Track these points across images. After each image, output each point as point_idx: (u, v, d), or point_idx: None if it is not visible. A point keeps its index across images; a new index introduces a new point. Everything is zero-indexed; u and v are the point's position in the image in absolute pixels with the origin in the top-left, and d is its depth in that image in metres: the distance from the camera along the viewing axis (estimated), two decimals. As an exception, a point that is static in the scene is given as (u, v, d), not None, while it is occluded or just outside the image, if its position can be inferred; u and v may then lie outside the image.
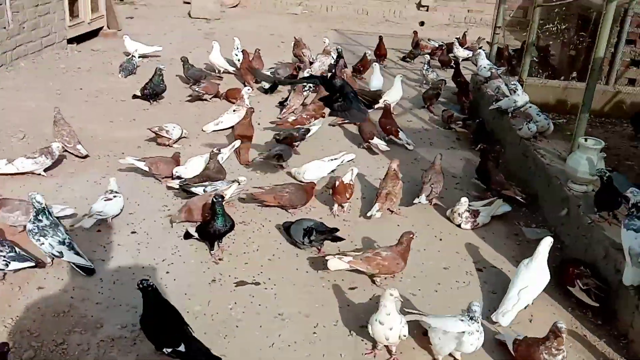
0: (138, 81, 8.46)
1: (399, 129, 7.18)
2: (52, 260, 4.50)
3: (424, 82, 9.62)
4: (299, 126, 6.88)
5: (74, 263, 4.41)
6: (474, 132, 7.31)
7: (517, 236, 5.37)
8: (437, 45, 11.32)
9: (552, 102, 7.82)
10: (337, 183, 5.34)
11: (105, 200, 5.10)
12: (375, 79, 8.77)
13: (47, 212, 4.45)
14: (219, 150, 5.66)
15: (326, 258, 4.46)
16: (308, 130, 6.75)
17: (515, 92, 7.00)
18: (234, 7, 15.32)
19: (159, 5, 15.35)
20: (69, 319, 4.00)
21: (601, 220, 4.73)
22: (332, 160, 6.14)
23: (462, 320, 3.64)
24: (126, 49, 9.70)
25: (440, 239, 5.23)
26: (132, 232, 5.04)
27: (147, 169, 5.75)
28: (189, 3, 15.44)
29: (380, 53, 10.60)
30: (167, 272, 4.53)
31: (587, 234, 4.76)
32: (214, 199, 4.57)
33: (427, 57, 9.86)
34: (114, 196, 5.16)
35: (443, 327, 3.66)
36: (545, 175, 5.77)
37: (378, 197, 5.50)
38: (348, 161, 6.26)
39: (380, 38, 10.73)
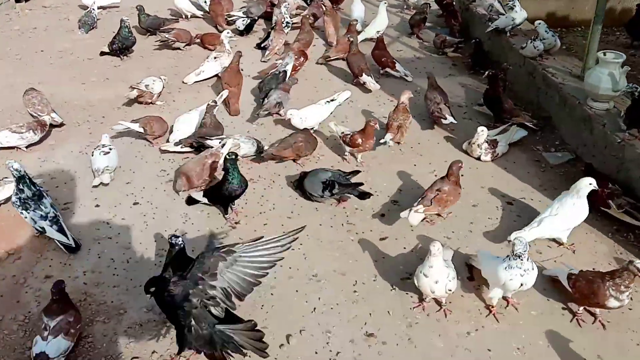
0: (102, 36, 7.73)
1: (394, 60, 6.75)
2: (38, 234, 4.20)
3: (405, 7, 9.09)
4: (273, 70, 6.29)
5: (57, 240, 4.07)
6: (471, 55, 6.93)
7: (539, 162, 5.13)
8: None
9: (549, 16, 7.48)
10: (369, 125, 4.95)
11: (104, 154, 4.89)
12: (356, 9, 8.21)
13: (28, 181, 4.11)
14: (215, 103, 5.19)
15: (402, 216, 4.19)
16: (285, 73, 6.14)
17: (512, 9, 6.60)
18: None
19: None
20: (87, 308, 3.65)
21: (631, 139, 4.50)
22: (328, 102, 5.71)
23: (508, 259, 3.40)
24: (82, 2, 8.86)
25: (462, 174, 4.93)
26: (135, 204, 4.64)
27: (142, 130, 5.30)
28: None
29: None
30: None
31: (618, 154, 4.54)
32: (228, 157, 4.19)
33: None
34: (110, 149, 4.97)
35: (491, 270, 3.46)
36: (559, 95, 5.48)
37: (389, 128, 5.26)
38: (345, 99, 5.83)
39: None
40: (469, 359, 3.29)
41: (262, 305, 3.65)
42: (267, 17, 8.37)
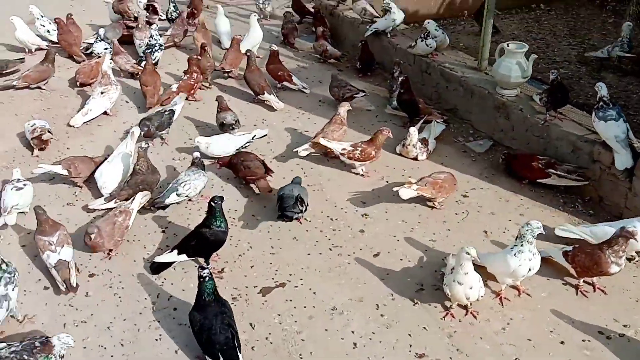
0: None
1: (291, 74, 6.67)
2: None
3: (262, 17, 9.00)
4: (161, 108, 5.84)
5: None
6: (359, 58, 7.11)
7: (467, 153, 5.48)
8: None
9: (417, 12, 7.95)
10: (381, 136, 4.96)
11: (16, 190, 4.48)
12: (222, 24, 7.93)
13: None
14: (147, 144, 4.63)
15: (394, 189, 4.49)
16: (172, 112, 5.68)
17: (390, 10, 6.91)
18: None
19: None
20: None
21: (552, 119, 5.03)
22: (243, 134, 5.44)
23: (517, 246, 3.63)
24: None
25: (410, 177, 5.09)
26: (91, 275, 3.97)
27: (65, 172, 4.70)
28: None
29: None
30: (174, 318, 3.67)
31: (542, 134, 5.04)
32: (214, 202, 3.83)
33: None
34: (24, 184, 4.57)
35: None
36: (463, 87, 5.90)
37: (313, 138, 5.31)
38: (261, 137, 5.53)
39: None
40: (518, 353, 3.42)
41: (300, 355, 3.39)
42: (126, 41, 7.67)
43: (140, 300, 3.79)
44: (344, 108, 5.35)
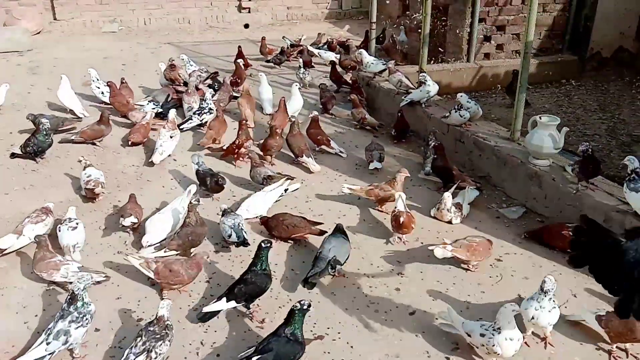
0: (0, 138, 6.93)
1: (329, 138, 7.01)
2: None
3: (302, 85, 9.48)
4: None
5: None
6: (394, 126, 7.44)
7: (500, 219, 5.63)
8: (290, 44, 11.29)
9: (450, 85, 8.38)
10: (403, 219, 5.01)
11: (71, 229, 4.77)
12: (265, 91, 8.41)
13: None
14: (198, 201, 4.92)
15: (430, 248, 4.72)
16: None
17: (425, 82, 7.28)
18: (37, 34, 13.35)
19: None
20: None
21: (584, 189, 5.19)
22: (273, 190, 5.74)
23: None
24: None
25: (444, 239, 5.25)
26: (139, 320, 4.16)
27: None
28: (-21, 34, 13.14)
29: (244, 63, 10.16)
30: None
31: (575, 203, 5.20)
32: (263, 244, 4.17)
33: (301, 60, 9.73)
34: (77, 223, 4.84)
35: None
36: (496, 156, 6.13)
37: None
38: (293, 191, 5.91)
39: (239, 48, 10.28)
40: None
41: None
42: (174, 104, 8.17)
43: (186, 345, 3.95)
44: (401, 175, 5.59)
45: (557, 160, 5.74)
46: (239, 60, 9.44)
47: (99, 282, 4.45)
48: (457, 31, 9.41)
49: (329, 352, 3.91)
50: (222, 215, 4.99)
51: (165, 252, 4.74)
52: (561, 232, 4.94)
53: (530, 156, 5.75)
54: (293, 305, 3.69)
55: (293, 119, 6.78)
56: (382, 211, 5.66)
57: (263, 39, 11.38)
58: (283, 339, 3.57)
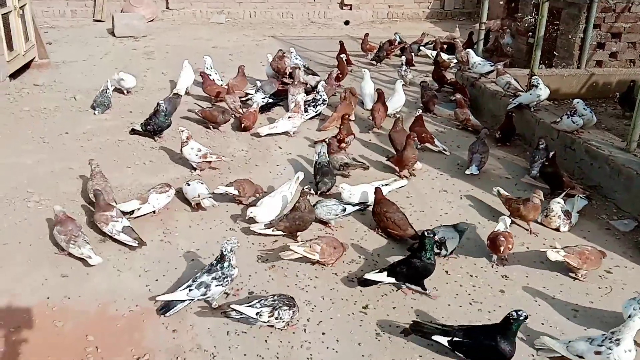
0: (121, 116, 7.48)
1: (433, 136, 7.02)
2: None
3: (403, 83, 9.50)
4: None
5: None
6: (500, 128, 7.32)
7: (610, 231, 5.43)
8: (398, 41, 11.33)
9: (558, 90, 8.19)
10: (502, 239, 4.70)
11: (200, 183, 5.46)
12: (367, 87, 8.51)
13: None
14: (310, 190, 5.09)
15: (542, 250, 4.76)
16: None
17: (537, 86, 7.12)
18: (151, 21, 14.18)
19: (67, 26, 13.78)
20: None
21: None
22: (383, 186, 5.76)
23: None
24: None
25: (551, 245, 5.14)
26: (250, 293, 4.38)
27: (236, 192, 5.47)
28: (100, 21, 14.16)
29: (347, 59, 10.32)
30: (322, 342, 3.96)
31: (696, 220, 4.94)
32: (427, 234, 4.29)
33: (404, 58, 9.75)
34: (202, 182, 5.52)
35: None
36: (610, 166, 5.90)
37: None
38: (399, 188, 5.93)
39: (342, 43, 10.44)
40: None
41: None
42: (280, 95, 8.45)
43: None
44: (537, 196, 5.32)
45: (678, 174, 5.47)
46: (342, 56, 9.60)
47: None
48: (570, 36, 9.12)
49: (431, 345, 3.95)
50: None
51: (272, 231, 4.97)
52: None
53: (649, 168, 5.51)
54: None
55: (398, 115, 6.84)
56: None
57: (366, 35, 11.50)
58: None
